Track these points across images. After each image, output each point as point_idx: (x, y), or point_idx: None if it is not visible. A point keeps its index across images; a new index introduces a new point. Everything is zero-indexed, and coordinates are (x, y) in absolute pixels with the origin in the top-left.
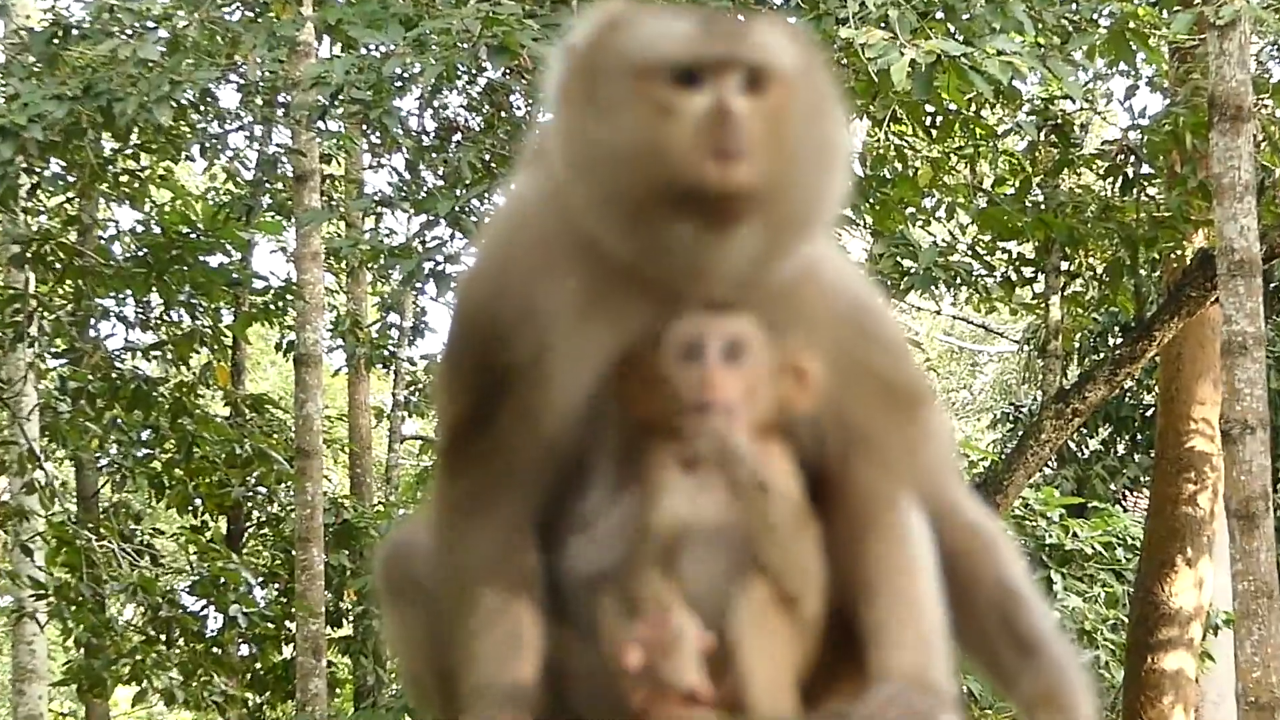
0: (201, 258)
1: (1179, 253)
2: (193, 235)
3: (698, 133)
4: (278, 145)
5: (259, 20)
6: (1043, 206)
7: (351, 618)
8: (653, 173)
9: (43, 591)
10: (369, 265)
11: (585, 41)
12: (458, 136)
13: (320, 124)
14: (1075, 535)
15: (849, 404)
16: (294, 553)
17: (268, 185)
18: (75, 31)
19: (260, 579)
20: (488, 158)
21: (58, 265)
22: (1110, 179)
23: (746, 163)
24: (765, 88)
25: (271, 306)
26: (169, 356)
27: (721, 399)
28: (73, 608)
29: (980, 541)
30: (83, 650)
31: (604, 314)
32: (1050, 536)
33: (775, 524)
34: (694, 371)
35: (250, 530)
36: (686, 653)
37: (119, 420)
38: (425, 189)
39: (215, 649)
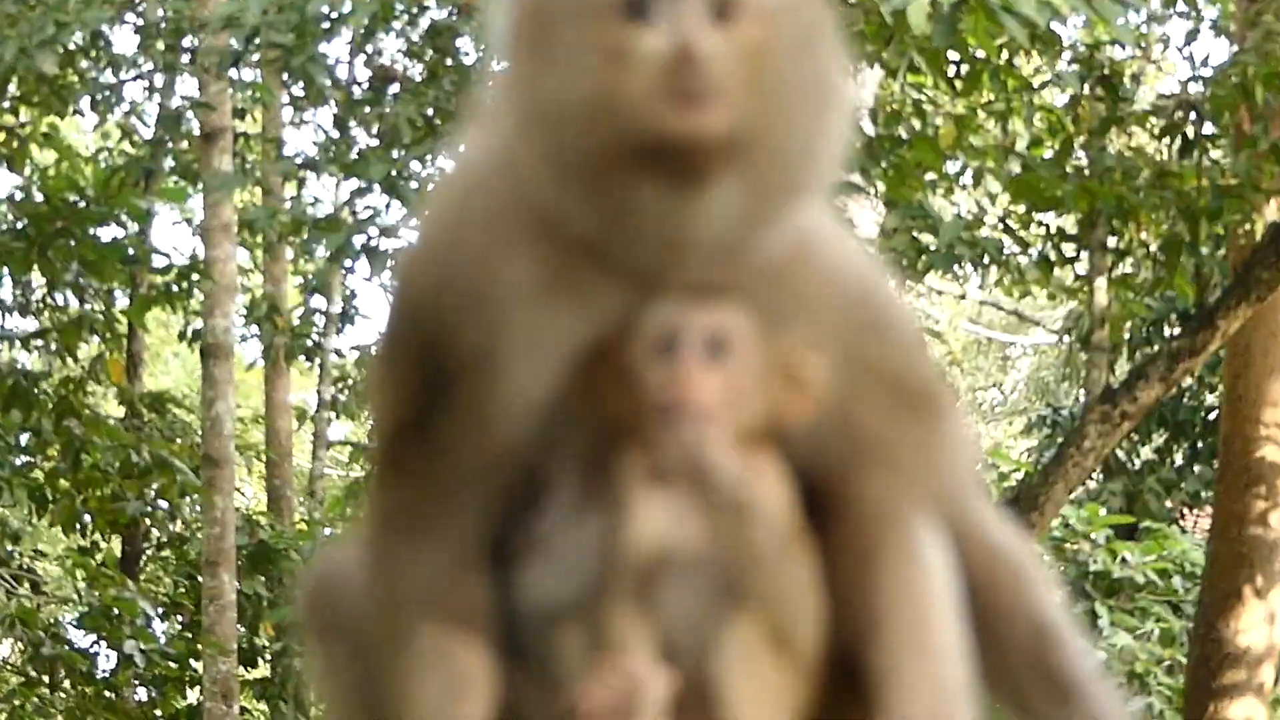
0: (92, 231)
1: (1247, 227)
2: (81, 204)
3: (655, 74)
4: (182, 98)
5: None
6: (1086, 172)
7: (269, 656)
8: (609, 126)
9: None
10: (289, 239)
11: None
12: (394, 88)
13: (232, 73)
14: (1124, 561)
15: (852, 407)
16: (200, 579)
17: (170, 145)
18: None
19: (161, 610)
20: (430, 113)
21: None
22: (1167, 140)
23: (715, 105)
24: (734, 17)
25: (174, 288)
26: (53, 347)
27: (696, 402)
28: None
29: (1009, 568)
30: None
31: (567, 299)
32: (1095, 562)
33: (760, 550)
34: (666, 368)
35: (149, 553)
36: (650, 710)
37: None
38: (356, 150)
39: (108, 692)
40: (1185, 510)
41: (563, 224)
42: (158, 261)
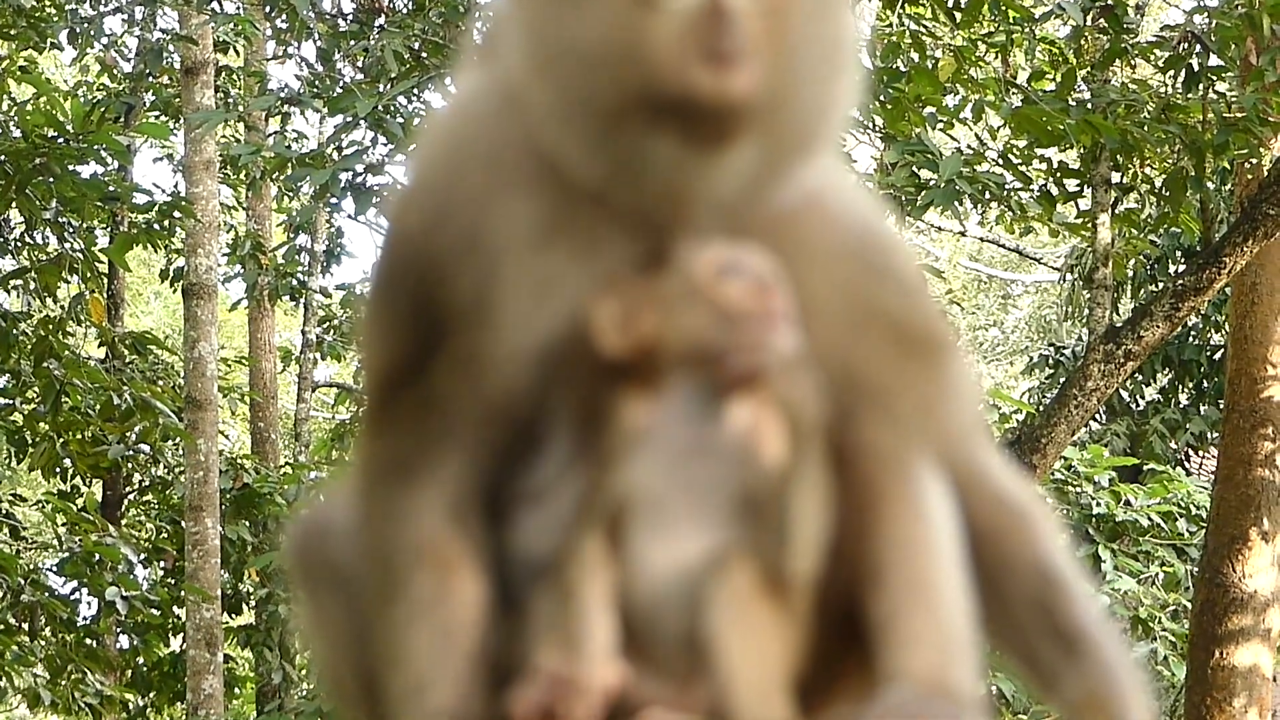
0: (71, 167)
1: (1254, 161)
2: (60, 140)
3: (687, 30)
4: (162, 31)
5: None
6: (1089, 106)
7: (253, 603)
8: (630, 78)
9: None
10: (274, 176)
11: None
12: (381, 20)
13: (214, 5)
14: (1128, 503)
15: (854, 352)
16: (184, 524)
17: (151, 79)
18: None
19: (143, 556)
20: (417, 46)
21: None
22: (1171, 72)
23: (746, 67)
24: None
25: (156, 226)
26: (32, 286)
27: (782, 308)
28: None
29: (1013, 515)
30: None
31: (566, 246)
32: (1098, 505)
33: (813, 477)
34: (740, 281)
35: (131, 497)
36: (587, 710)
37: None
38: (341, 84)
39: (89, 640)
40: (1190, 452)
41: (567, 170)
42: (139, 199)
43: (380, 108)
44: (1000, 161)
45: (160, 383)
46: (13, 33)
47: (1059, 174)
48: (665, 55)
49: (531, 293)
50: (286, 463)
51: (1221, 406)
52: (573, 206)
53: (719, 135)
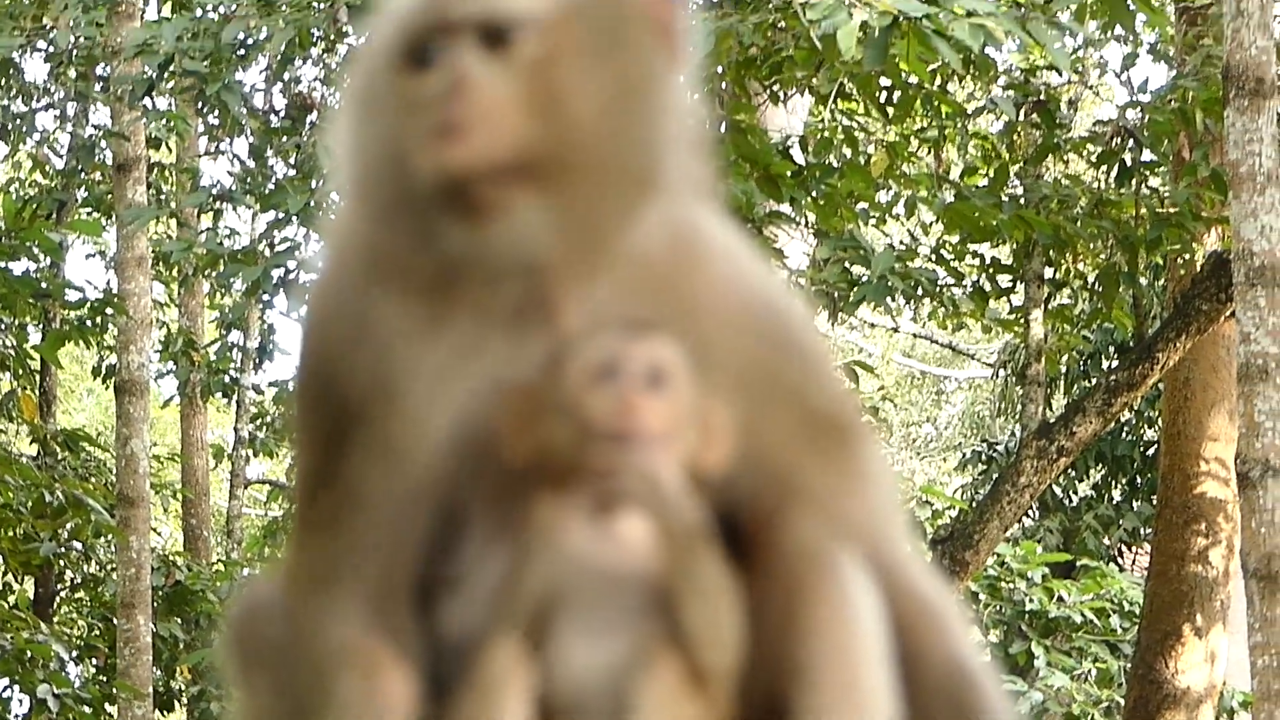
0: (3, 264)
1: (1187, 257)
2: None
3: (428, 116)
4: (95, 127)
5: None
6: (1022, 201)
7: (185, 701)
8: (403, 174)
9: None
10: (206, 273)
11: (364, 34)
12: (313, 116)
13: (146, 101)
14: (1061, 600)
15: (762, 437)
16: (116, 621)
17: (83, 175)
18: None
19: (75, 653)
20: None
21: None
22: (1104, 167)
23: (475, 136)
24: (509, 41)
25: (88, 323)
26: None
27: (646, 427)
28: None
29: (926, 608)
30: None
31: (457, 332)
32: (1031, 601)
33: (706, 581)
34: (609, 395)
35: (63, 594)
36: None
37: None
38: (273, 180)
39: None
40: (1124, 548)
41: (409, 268)
42: (71, 296)
43: (312, 204)
44: (933, 257)
45: (92, 480)
46: None
47: (992, 270)
48: (414, 145)
49: (429, 378)
50: (219, 560)
51: (1155, 502)
52: (440, 296)
53: (479, 206)
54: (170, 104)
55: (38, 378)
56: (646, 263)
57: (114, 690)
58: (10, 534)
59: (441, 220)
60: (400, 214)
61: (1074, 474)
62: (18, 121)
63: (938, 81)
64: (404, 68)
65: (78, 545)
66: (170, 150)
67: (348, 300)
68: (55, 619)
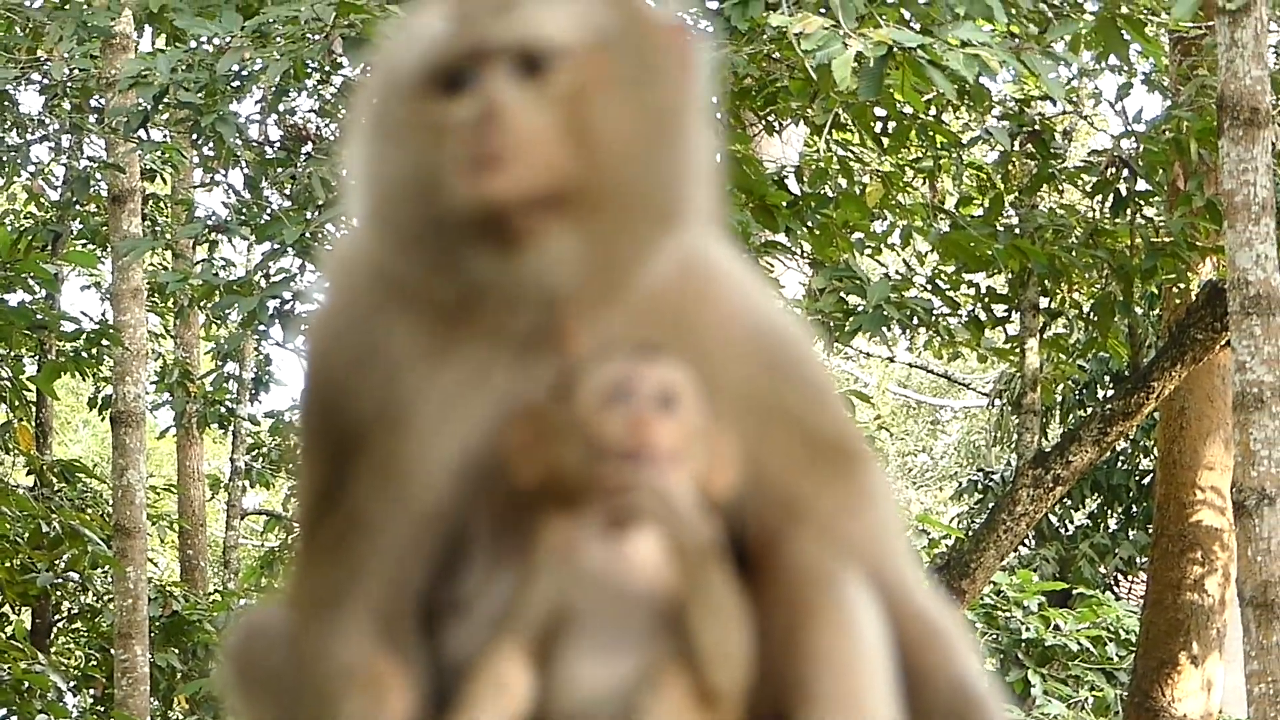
0: None
1: (1182, 286)
2: None
3: (462, 144)
4: (90, 159)
5: (65, 7)
6: (1017, 231)
7: None
8: (431, 200)
9: None
10: (201, 304)
11: (379, 56)
12: (308, 147)
13: (141, 133)
14: (1057, 628)
15: (765, 461)
16: (113, 652)
17: (78, 207)
18: None
19: (72, 683)
20: (344, 173)
21: None
22: (1099, 197)
23: (514, 166)
24: (545, 69)
25: (84, 354)
26: None
27: (659, 446)
28: None
29: (930, 630)
30: None
31: (456, 360)
32: (1028, 629)
33: (717, 599)
34: (622, 415)
35: (60, 625)
36: None
37: None
38: (269, 211)
39: None
40: (1120, 576)
41: (425, 293)
42: (66, 327)
43: (308, 235)
44: (928, 287)
45: (89, 510)
46: None
47: (987, 299)
48: (447, 173)
49: (435, 404)
50: (215, 590)
51: (1150, 531)
52: (450, 323)
53: (512, 235)
54: (165, 136)
55: (34, 409)
56: (656, 291)
57: None
58: (7, 564)
59: (470, 248)
60: (422, 239)
61: (1070, 503)
62: (12, 153)
63: (933, 111)
64: (434, 93)
65: (75, 576)
66: (165, 182)
67: (355, 324)
68: (53, 649)
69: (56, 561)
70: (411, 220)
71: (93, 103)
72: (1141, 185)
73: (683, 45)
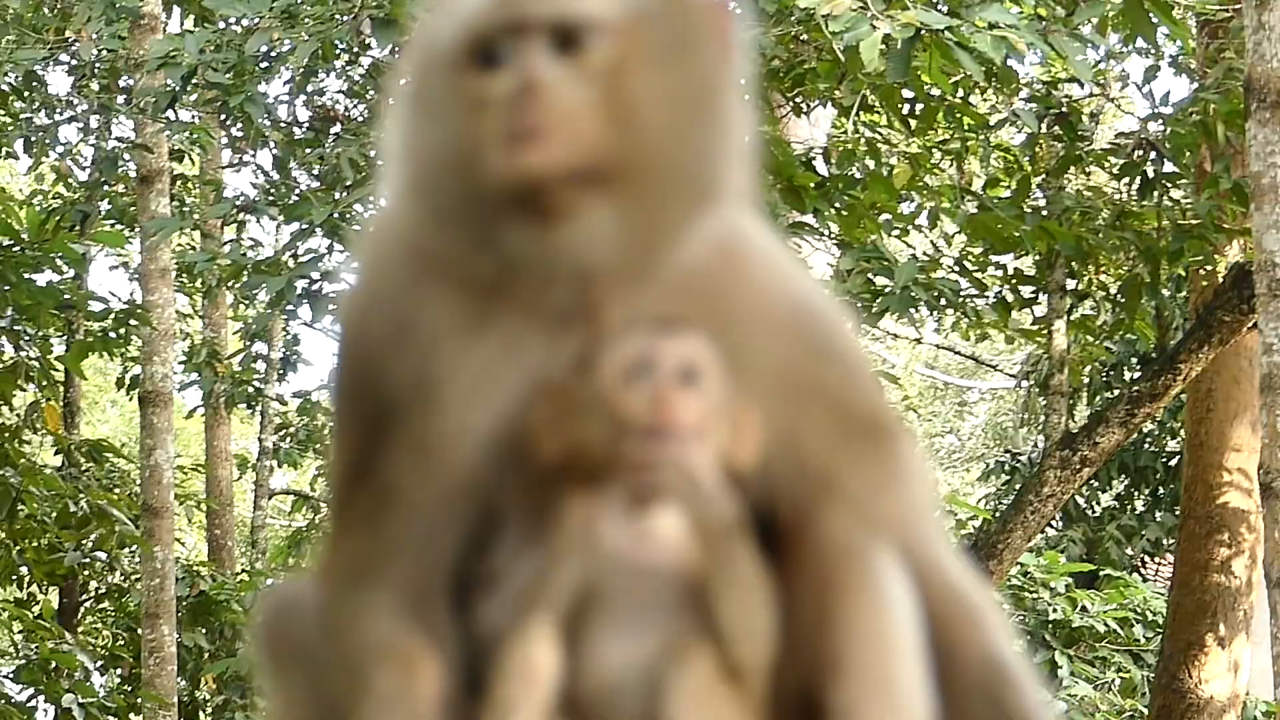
0: (27, 275)
1: (1209, 268)
2: (16, 248)
3: (499, 118)
4: (118, 139)
5: None
6: (1044, 212)
7: (210, 710)
8: (469, 176)
9: None
10: (229, 284)
11: (416, 31)
12: (336, 128)
13: (169, 113)
14: (1084, 609)
15: (797, 435)
16: (140, 631)
17: (107, 187)
18: None
19: (100, 662)
20: (372, 153)
21: None
22: (1126, 179)
23: (551, 140)
24: (582, 44)
25: (112, 334)
26: None
27: (681, 422)
28: None
29: (963, 606)
30: None
31: (491, 335)
32: (1055, 610)
33: (740, 575)
34: (643, 390)
35: (87, 604)
36: None
37: None
38: (297, 192)
39: None
40: (1146, 558)
41: (462, 268)
42: (94, 307)
43: (336, 215)
44: (956, 268)
45: (116, 490)
46: None
47: (1014, 280)
48: (485, 147)
49: (469, 377)
50: (243, 569)
51: (1177, 512)
52: (485, 297)
53: (549, 210)
54: (193, 116)
55: (62, 389)
56: (692, 268)
57: (139, 700)
58: (35, 544)
59: (506, 222)
60: (459, 213)
61: (1097, 484)
62: (41, 134)
63: (960, 93)
64: (472, 67)
65: (102, 555)
66: (193, 162)
67: (390, 299)
68: (80, 629)
69: (84, 541)
70: (449, 194)
71: (121, 83)
72: (1168, 167)
73: (721, 21)
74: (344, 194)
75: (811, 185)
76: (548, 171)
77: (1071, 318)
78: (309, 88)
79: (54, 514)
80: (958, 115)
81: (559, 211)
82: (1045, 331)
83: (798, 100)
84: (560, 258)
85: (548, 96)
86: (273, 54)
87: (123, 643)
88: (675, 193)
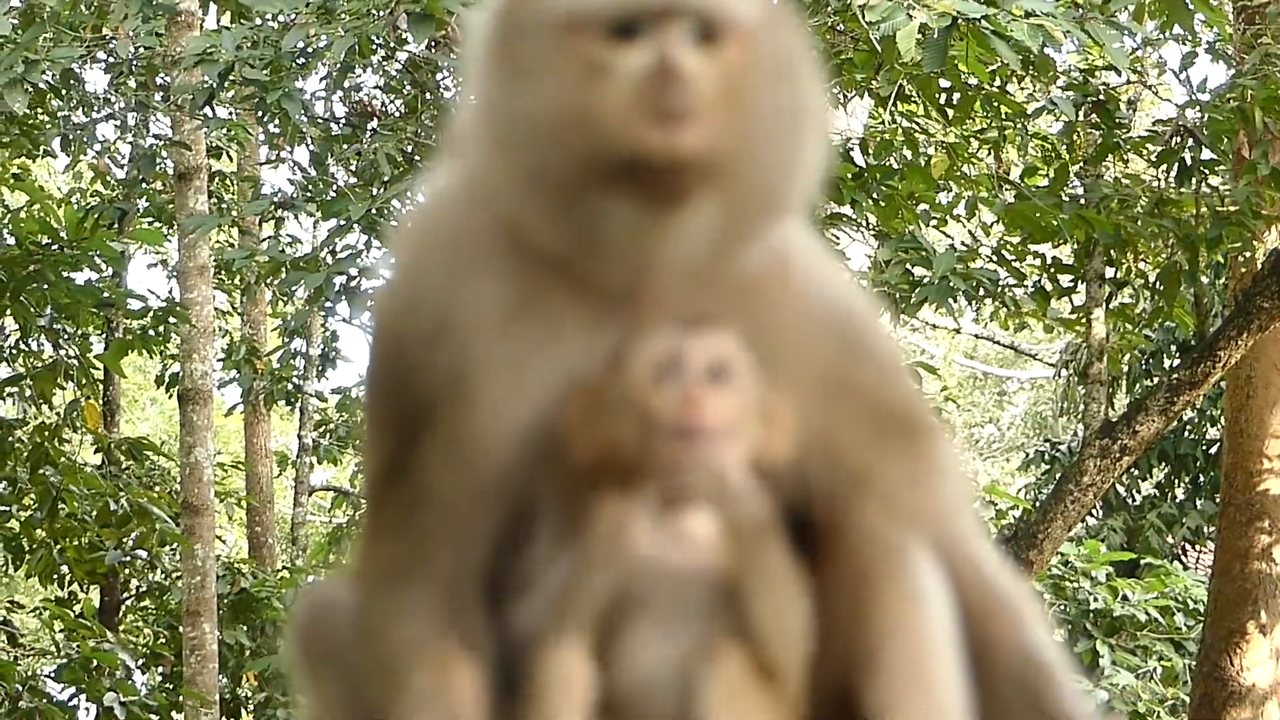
0: (66, 274)
1: (1248, 255)
2: (54, 247)
3: (637, 93)
4: (156, 137)
5: None
6: (1082, 201)
7: (251, 708)
8: (584, 143)
9: None
10: (268, 281)
11: None
12: (373, 124)
13: (207, 110)
14: (1125, 598)
15: (836, 435)
16: (181, 629)
17: (145, 185)
18: None
19: (141, 661)
20: (410, 149)
21: None
22: (1164, 166)
23: (696, 126)
24: (719, 40)
25: (151, 332)
26: (27, 394)
27: (711, 423)
28: None
29: (1000, 600)
30: None
31: (536, 326)
32: (1095, 600)
33: (773, 575)
34: (673, 391)
35: (128, 603)
36: None
37: None
38: (335, 188)
39: None
40: (1187, 546)
41: (533, 243)
42: (133, 305)
43: (374, 211)
44: (994, 258)
45: (157, 488)
46: (6, 140)
47: (1053, 270)
48: (616, 118)
49: (505, 373)
50: (284, 567)
51: (1218, 500)
52: (538, 284)
53: (673, 194)
54: (231, 113)
55: (101, 387)
56: (740, 268)
57: (180, 698)
58: (76, 543)
59: (616, 196)
60: (552, 177)
61: (1137, 473)
62: (78, 132)
63: (997, 82)
64: (602, 36)
65: (143, 553)
66: (231, 159)
67: (427, 293)
68: (121, 627)
69: (125, 539)
70: (545, 156)
71: (158, 80)
72: (1206, 154)
73: (809, 45)
74: (381, 190)
75: (849, 176)
76: (690, 153)
77: (1110, 306)
78: (346, 83)
79: (94, 512)
80: (995, 104)
81: (678, 196)
82: (1084, 320)
83: (834, 91)
84: (659, 241)
85: (692, 81)
86: (309, 50)
87: (164, 641)
88: (768, 198)
